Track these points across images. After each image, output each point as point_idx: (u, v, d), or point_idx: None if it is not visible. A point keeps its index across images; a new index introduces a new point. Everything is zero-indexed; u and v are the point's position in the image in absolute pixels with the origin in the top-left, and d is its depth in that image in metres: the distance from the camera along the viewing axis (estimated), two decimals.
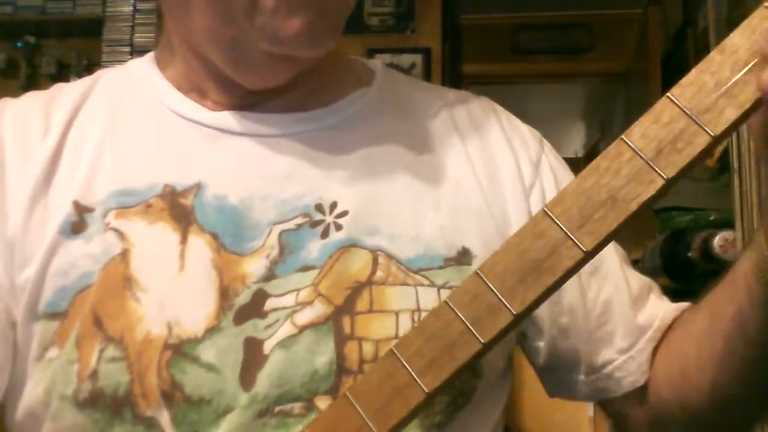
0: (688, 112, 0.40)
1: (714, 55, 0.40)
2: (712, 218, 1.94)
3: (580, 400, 0.66)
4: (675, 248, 1.82)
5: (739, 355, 0.54)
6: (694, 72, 0.41)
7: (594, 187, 0.41)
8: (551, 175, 0.66)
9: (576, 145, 6.02)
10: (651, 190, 0.40)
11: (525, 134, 0.68)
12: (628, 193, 0.40)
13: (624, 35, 3.76)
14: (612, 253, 0.65)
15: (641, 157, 0.40)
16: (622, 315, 0.63)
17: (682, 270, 1.78)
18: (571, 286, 0.62)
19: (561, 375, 0.65)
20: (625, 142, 0.41)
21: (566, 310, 0.63)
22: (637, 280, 0.66)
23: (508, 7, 3.81)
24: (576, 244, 0.41)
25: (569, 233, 0.41)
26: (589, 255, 0.41)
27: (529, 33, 3.95)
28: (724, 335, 0.55)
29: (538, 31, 3.95)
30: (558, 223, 0.41)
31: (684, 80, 0.41)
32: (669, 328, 0.63)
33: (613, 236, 0.41)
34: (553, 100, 5.04)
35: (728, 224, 1.79)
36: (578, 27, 3.91)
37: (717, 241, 1.64)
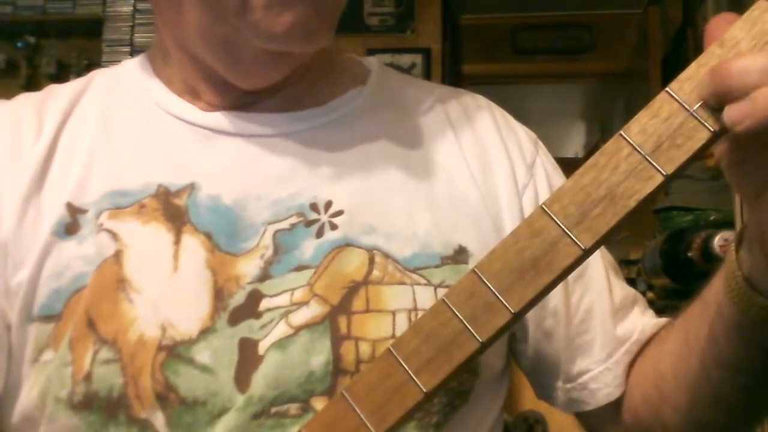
0: (687, 106, 0.39)
1: (714, 49, 0.40)
2: (712, 218, 1.93)
3: (559, 409, 0.64)
4: (675, 248, 1.81)
5: (714, 377, 0.53)
6: (693, 66, 0.40)
7: (592, 184, 0.40)
8: (545, 178, 0.65)
9: (576, 145, 6.01)
10: (650, 187, 0.39)
11: (520, 135, 0.68)
12: (626, 190, 0.40)
13: (624, 35, 3.75)
14: (598, 261, 0.64)
15: (640, 152, 0.40)
16: (602, 324, 0.61)
17: (682, 270, 1.78)
18: (557, 288, 0.62)
19: (543, 380, 0.64)
20: (624, 138, 0.40)
21: (551, 313, 0.62)
22: (622, 290, 0.64)
23: (508, 7, 3.81)
24: (574, 241, 0.40)
25: (567, 230, 0.40)
26: (588, 252, 0.40)
27: (529, 33, 3.95)
28: (698, 356, 0.53)
29: (538, 31, 3.95)
30: (556, 220, 0.40)
31: (683, 75, 0.40)
32: (647, 343, 0.62)
33: (612, 233, 0.40)
34: (553, 100, 5.04)
35: (728, 224, 1.78)
36: (578, 27, 3.91)
37: (717, 241, 1.64)
